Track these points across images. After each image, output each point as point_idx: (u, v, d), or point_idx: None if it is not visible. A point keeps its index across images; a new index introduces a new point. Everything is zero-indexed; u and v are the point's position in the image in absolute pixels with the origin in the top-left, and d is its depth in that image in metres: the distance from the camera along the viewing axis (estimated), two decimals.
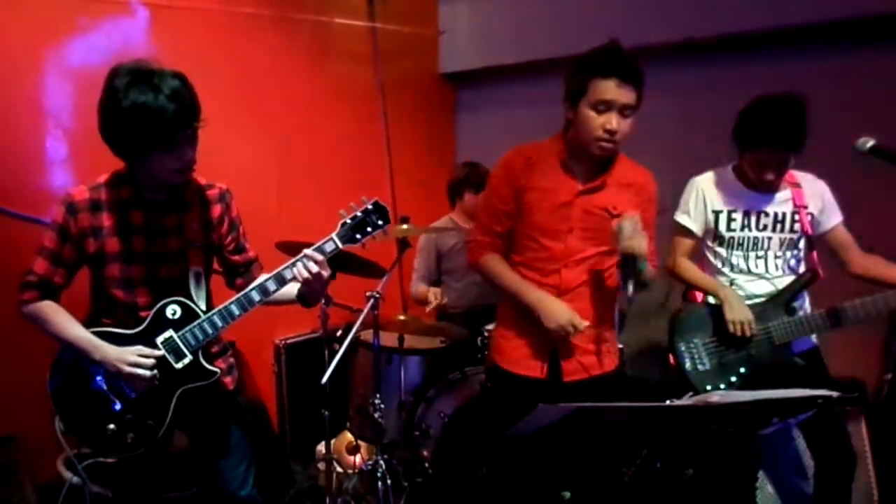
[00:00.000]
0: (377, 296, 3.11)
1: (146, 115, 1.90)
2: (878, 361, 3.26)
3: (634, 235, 2.11)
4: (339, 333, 3.44)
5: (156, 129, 1.92)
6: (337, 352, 3.00)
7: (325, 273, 2.10)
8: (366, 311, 3.09)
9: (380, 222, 2.14)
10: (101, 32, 3.31)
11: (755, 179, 2.56)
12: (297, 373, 3.95)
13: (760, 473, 2.91)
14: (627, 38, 3.87)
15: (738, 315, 2.57)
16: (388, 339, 3.34)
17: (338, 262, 3.18)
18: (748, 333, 2.56)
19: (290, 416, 3.94)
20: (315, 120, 4.15)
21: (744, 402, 1.81)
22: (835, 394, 1.78)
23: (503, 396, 2.41)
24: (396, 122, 4.53)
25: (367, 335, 3.33)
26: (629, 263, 2.09)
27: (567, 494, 2.57)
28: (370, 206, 2.14)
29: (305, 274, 2.07)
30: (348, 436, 3.61)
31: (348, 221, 2.13)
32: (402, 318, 3.41)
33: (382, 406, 3.21)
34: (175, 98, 1.92)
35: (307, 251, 2.09)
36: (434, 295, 3.61)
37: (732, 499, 2.66)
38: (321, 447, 3.45)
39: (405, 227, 3.38)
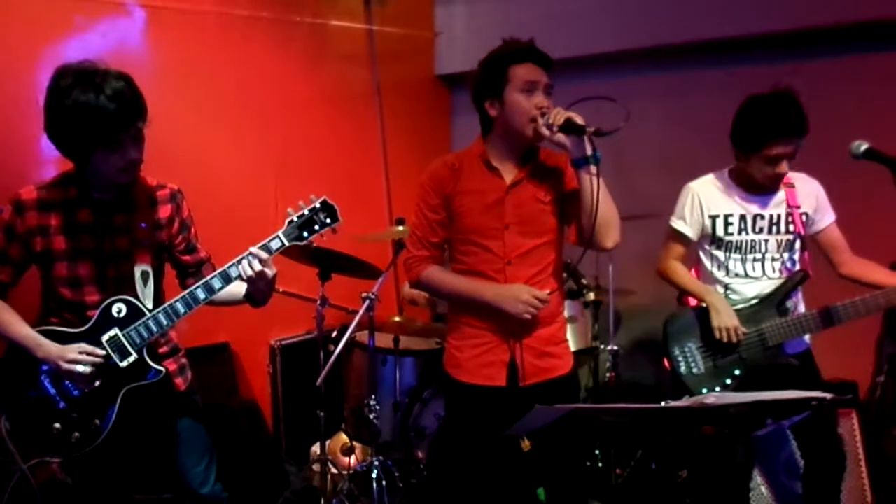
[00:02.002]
0: (373, 297, 3.12)
1: (87, 114, 1.92)
2: (870, 363, 3.28)
3: (559, 111, 2.15)
4: (334, 334, 3.44)
5: (96, 128, 1.94)
6: (332, 353, 3.01)
7: (270, 272, 2.10)
8: (361, 312, 3.09)
9: (328, 220, 2.14)
10: (97, 32, 3.31)
11: (767, 178, 2.54)
12: (293, 374, 3.94)
13: (754, 474, 2.92)
14: (620, 41, 3.94)
15: (724, 322, 2.58)
16: (384, 340, 3.35)
17: (333, 263, 3.20)
18: (734, 340, 2.57)
19: (285, 417, 3.94)
20: (311, 122, 4.15)
21: (738, 403, 1.82)
22: (829, 396, 1.79)
23: (465, 410, 2.39)
24: (393, 124, 4.54)
25: (363, 336, 3.34)
26: (572, 126, 2.11)
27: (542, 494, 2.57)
28: (318, 205, 2.14)
29: (249, 272, 2.07)
30: (343, 437, 3.61)
31: (295, 219, 2.13)
32: (397, 319, 3.42)
33: (377, 407, 3.22)
34: (116, 98, 1.94)
35: (252, 249, 2.09)
36: (423, 296, 3.60)
37: (726, 500, 2.67)
38: (316, 448, 3.45)
39: (401, 228, 3.38)
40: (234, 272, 2.10)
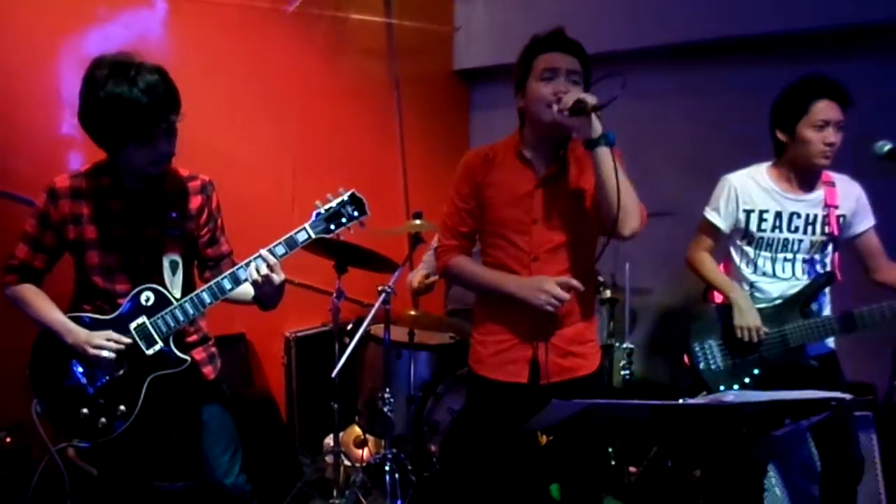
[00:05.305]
0: (389, 290, 3.13)
1: (120, 106, 1.94)
2: (887, 367, 3.25)
3: (572, 94, 2.11)
4: (349, 327, 3.45)
5: (129, 120, 1.96)
6: (347, 345, 3.02)
7: (277, 278, 2.07)
8: (377, 305, 3.10)
9: (355, 213, 2.14)
10: (120, 23, 3.33)
11: (817, 151, 2.46)
12: (307, 366, 3.97)
13: (769, 475, 2.91)
14: (640, 38, 3.92)
15: (746, 321, 2.56)
16: (399, 333, 3.36)
17: (349, 256, 3.21)
18: (755, 339, 2.56)
19: (299, 409, 3.96)
20: (330, 115, 4.16)
21: (756, 402, 1.81)
22: (847, 396, 1.78)
23: (485, 405, 2.39)
24: (411, 118, 4.54)
25: (378, 329, 3.35)
26: (580, 107, 2.06)
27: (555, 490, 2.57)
28: (346, 198, 2.14)
29: (255, 276, 2.05)
30: (356, 429, 3.63)
31: (322, 212, 2.13)
32: (412, 312, 3.42)
33: (391, 400, 3.23)
34: (149, 91, 1.95)
35: (262, 251, 2.08)
36: (420, 279, 3.59)
37: (740, 500, 2.66)
38: (329, 440, 3.47)
39: (418, 222, 3.39)
40: (242, 274, 2.10)
